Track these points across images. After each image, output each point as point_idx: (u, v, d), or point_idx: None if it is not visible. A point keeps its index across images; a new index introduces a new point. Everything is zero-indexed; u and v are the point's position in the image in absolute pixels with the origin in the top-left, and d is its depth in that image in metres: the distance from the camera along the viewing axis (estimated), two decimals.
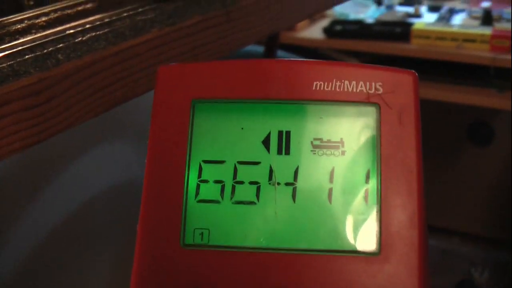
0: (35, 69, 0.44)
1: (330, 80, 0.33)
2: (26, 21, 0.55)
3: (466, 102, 2.33)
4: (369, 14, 2.64)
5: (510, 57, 2.18)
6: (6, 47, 0.49)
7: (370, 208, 0.32)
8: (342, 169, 0.33)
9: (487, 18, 2.43)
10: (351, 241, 0.32)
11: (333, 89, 0.33)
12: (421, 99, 0.33)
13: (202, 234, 0.33)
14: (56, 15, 0.57)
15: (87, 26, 0.53)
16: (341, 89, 0.33)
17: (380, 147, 0.33)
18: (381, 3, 2.74)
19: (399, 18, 2.49)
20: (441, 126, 2.50)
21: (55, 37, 0.50)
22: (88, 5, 0.59)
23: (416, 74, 0.33)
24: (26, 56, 0.46)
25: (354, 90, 0.33)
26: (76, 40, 0.49)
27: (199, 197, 0.33)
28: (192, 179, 0.33)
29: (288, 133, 0.34)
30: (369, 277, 0.31)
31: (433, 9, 2.64)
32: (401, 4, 2.75)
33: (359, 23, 2.45)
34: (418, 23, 2.48)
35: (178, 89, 0.34)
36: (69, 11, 0.58)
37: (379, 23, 2.44)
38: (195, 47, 0.58)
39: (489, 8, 2.48)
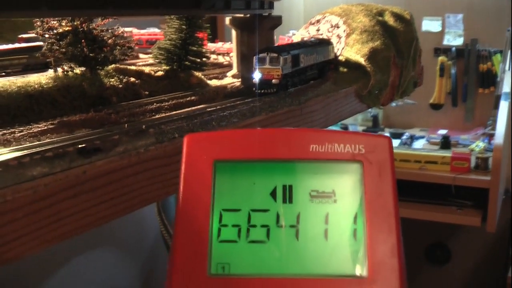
0: (202, 129, 0.64)
1: (323, 143, 0.42)
2: (155, 104, 0.75)
3: (428, 219, 2.44)
4: None
5: (469, 177, 2.33)
6: (163, 116, 0.68)
7: (358, 243, 0.40)
8: (335, 213, 0.41)
9: (445, 143, 2.61)
10: (345, 268, 0.40)
11: (325, 150, 0.42)
12: None
13: (224, 267, 0.41)
14: (173, 102, 0.76)
15: (218, 107, 0.73)
16: (332, 150, 0.42)
17: (364, 195, 0.41)
18: (347, 129, 2.94)
19: None
20: None
21: (200, 112, 0.70)
22: (193, 98, 0.80)
23: (390, 138, 0.43)
24: (195, 120, 0.64)
25: (342, 151, 0.42)
26: (221, 114, 0.68)
27: (221, 238, 0.41)
28: (215, 224, 0.41)
29: (290, 187, 0.42)
30: None
31: (394, 135, 2.83)
32: (364, 131, 2.95)
33: None
34: None
35: (202, 152, 0.43)
36: (181, 100, 0.78)
37: None
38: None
39: (447, 134, 2.66)
